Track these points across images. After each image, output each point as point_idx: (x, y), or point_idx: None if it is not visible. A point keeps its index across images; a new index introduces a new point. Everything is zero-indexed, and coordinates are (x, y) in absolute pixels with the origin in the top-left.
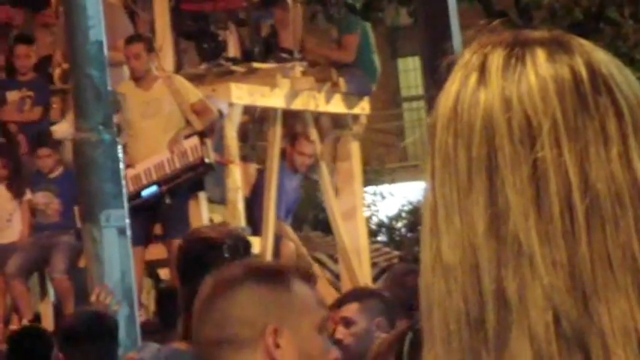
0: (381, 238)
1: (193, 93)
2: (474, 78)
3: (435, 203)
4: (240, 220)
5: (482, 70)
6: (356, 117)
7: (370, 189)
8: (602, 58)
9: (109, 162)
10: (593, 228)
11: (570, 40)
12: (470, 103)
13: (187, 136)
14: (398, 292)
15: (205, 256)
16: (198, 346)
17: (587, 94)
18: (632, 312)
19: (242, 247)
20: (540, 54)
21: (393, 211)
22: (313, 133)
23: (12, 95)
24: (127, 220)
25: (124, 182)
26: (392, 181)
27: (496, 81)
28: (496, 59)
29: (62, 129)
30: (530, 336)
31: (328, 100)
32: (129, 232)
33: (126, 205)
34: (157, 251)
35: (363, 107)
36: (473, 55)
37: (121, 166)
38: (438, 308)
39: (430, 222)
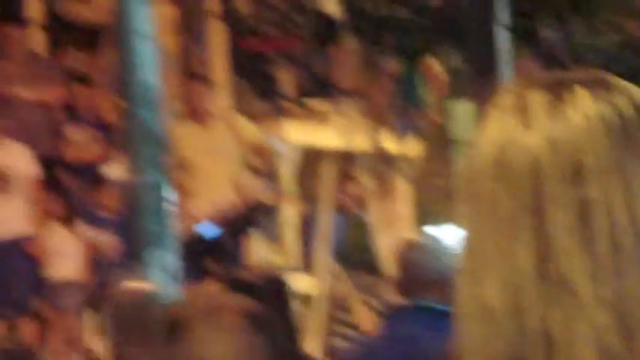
0: None
1: (252, 132)
2: (515, 120)
3: (475, 248)
4: (294, 259)
5: (524, 111)
6: (407, 157)
7: (418, 230)
8: None
9: (157, 203)
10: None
11: (609, 79)
12: (513, 145)
13: (245, 175)
14: None
15: None
16: None
17: (632, 131)
18: None
19: (276, 291)
20: (582, 93)
21: None
22: (365, 173)
23: (72, 133)
24: (175, 261)
25: (172, 223)
26: (440, 225)
27: (540, 122)
28: (538, 100)
29: (113, 169)
30: None
31: (381, 139)
32: (176, 273)
33: (174, 246)
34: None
35: (415, 146)
36: (512, 97)
37: (170, 207)
38: (478, 354)
39: (470, 267)
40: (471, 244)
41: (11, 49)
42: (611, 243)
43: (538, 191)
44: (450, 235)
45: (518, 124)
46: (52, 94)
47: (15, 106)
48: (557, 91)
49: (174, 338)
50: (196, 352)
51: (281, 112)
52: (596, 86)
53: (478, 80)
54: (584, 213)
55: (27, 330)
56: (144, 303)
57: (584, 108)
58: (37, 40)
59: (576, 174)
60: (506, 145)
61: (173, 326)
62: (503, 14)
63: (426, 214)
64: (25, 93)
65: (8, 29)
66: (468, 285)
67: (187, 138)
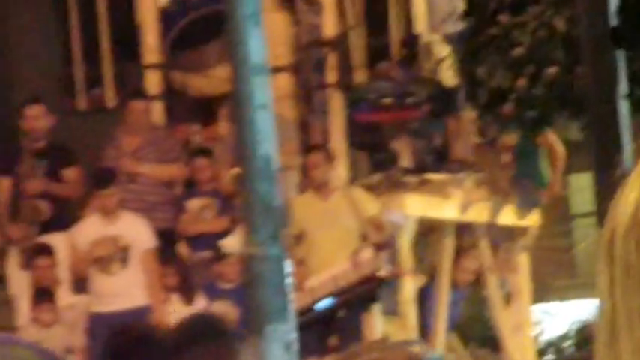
0: (549, 357)
1: (371, 206)
2: None
3: (614, 314)
4: (413, 333)
5: None
6: (525, 229)
7: (538, 306)
8: None
9: (277, 276)
10: None
11: None
12: None
13: (363, 248)
14: None
15: None
16: None
17: None
18: None
19: None
20: None
21: (561, 330)
22: (484, 246)
23: (192, 204)
24: (294, 335)
25: (290, 297)
26: (560, 299)
27: None
28: None
29: (231, 243)
30: None
31: (499, 211)
32: (295, 347)
33: (292, 319)
34: None
35: (533, 219)
36: None
37: (288, 280)
38: None
39: (608, 333)
40: (609, 309)
41: (133, 123)
42: None
43: None
44: (569, 309)
45: None
46: (173, 167)
47: (135, 179)
48: None
49: None
50: None
51: (398, 184)
52: None
53: (598, 151)
54: None
55: None
56: None
57: None
58: (157, 113)
59: None
60: None
61: None
62: (621, 83)
63: (545, 288)
64: (146, 166)
65: (131, 104)
66: (607, 351)
67: (306, 210)
